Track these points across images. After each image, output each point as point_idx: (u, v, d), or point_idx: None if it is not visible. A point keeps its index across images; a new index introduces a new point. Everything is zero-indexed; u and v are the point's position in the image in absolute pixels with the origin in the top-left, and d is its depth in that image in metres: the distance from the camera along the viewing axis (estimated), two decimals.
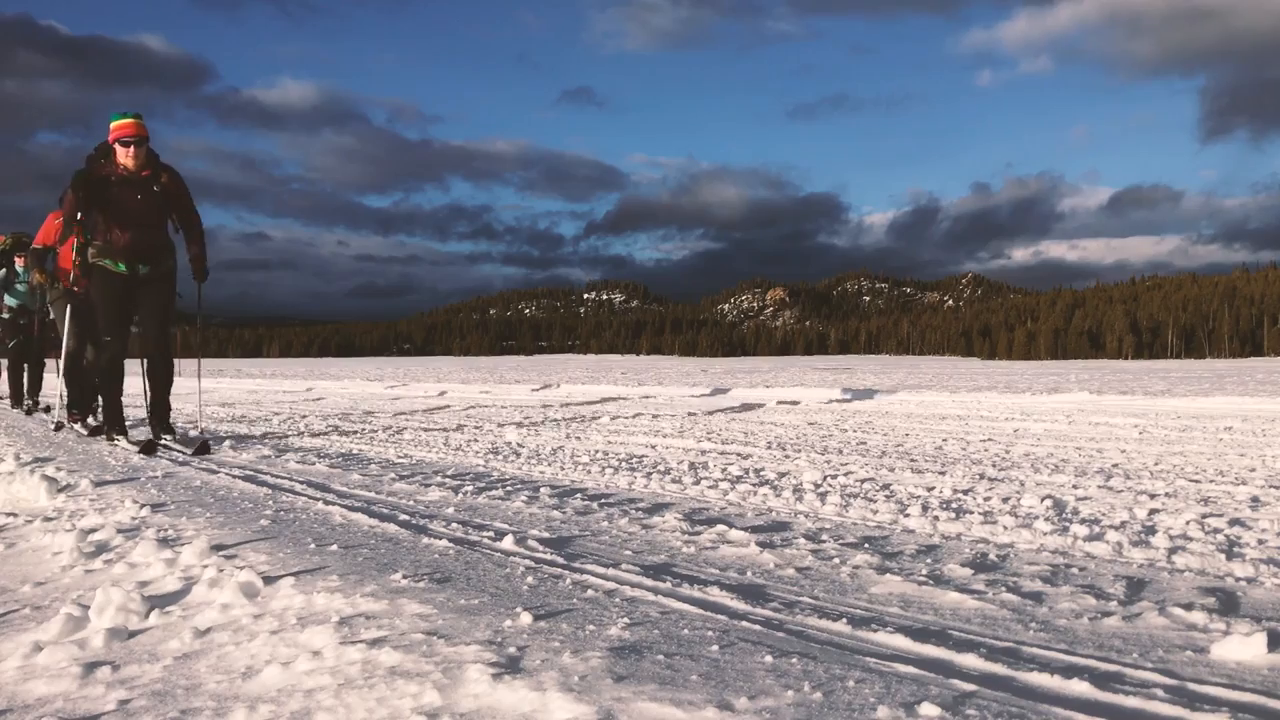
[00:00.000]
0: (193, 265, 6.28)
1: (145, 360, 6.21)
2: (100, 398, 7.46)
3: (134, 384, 6.94)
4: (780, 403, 10.56)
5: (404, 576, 2.23)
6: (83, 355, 7.37)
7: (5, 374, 11.68)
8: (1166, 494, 3.71)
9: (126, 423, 6.45)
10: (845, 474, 4.34)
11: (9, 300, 11.00)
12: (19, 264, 10.83)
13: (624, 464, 4.79)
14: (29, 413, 10.27)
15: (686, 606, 2.01)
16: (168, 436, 5.92)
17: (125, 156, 5.88)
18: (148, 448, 5.56)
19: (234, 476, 4.39)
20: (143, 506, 3.39)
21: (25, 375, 10.99)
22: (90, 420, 7.72)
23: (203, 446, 5.57)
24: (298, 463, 4.97)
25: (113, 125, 5.92)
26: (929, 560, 2.58)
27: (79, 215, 5.92)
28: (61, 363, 7.91)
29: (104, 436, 6.31)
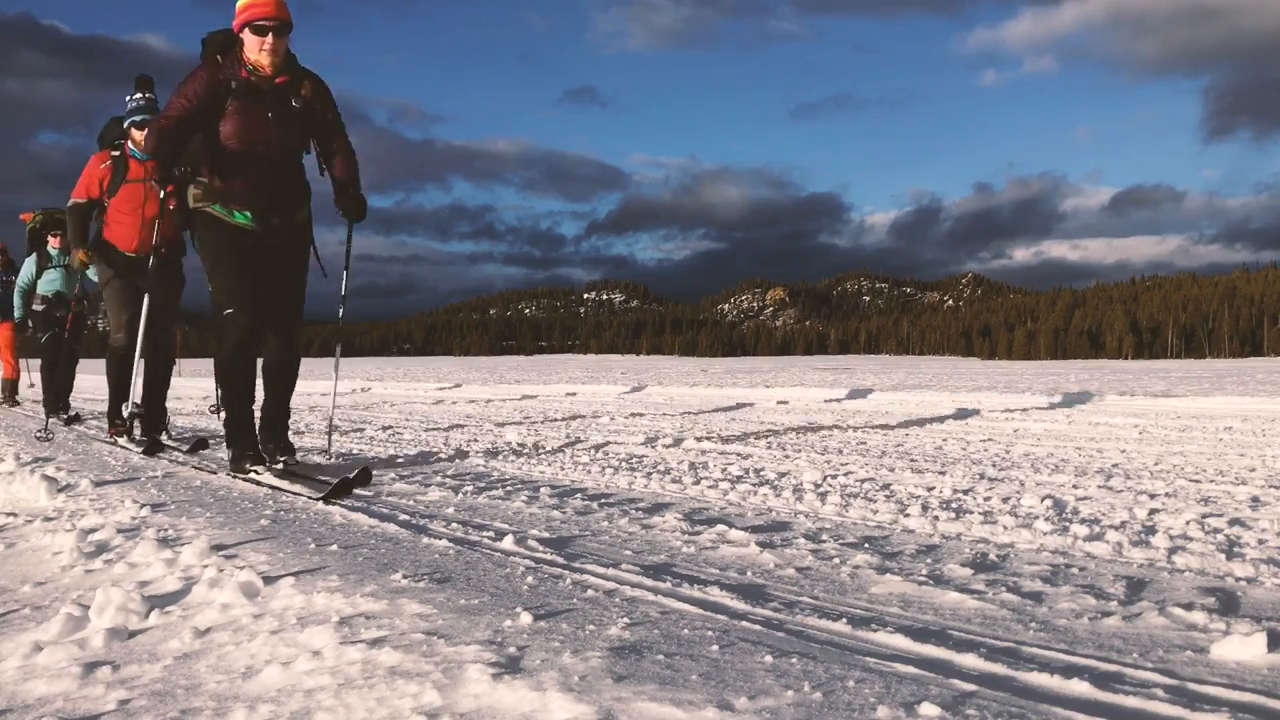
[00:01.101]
0: (340, 198, 4.46)
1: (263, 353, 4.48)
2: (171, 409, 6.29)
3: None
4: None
5: (404, 576, 2.23)
6: (133, 353, 5.95)
7: (39, 374, 9.93)
8: (1166, 494, 3.71)
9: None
10: (845, 474, 4.34)
11: (42, 288, 9.38)
12: (53, 244, 9.26)
13: (624, 464, 4.79)
14: (67, 423, 8.20)
15: (686, 606, 2.01)
16: (285, 458, 4.30)
17: (260, 49, 4.07)
18: (340, 489, 3.63)
19: (235, 477, 4.39)
20: (143, 506, 3.39)
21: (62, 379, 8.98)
22: (137, 433, 6.17)
23: (363, 474, 3.95)
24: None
25: (241, 3, 4.11)
26: (929, 560, 2.58)
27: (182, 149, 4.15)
28: (106, 363, 6.36)
29: (228, 467, 4.42)
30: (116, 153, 6.18)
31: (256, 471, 4.22)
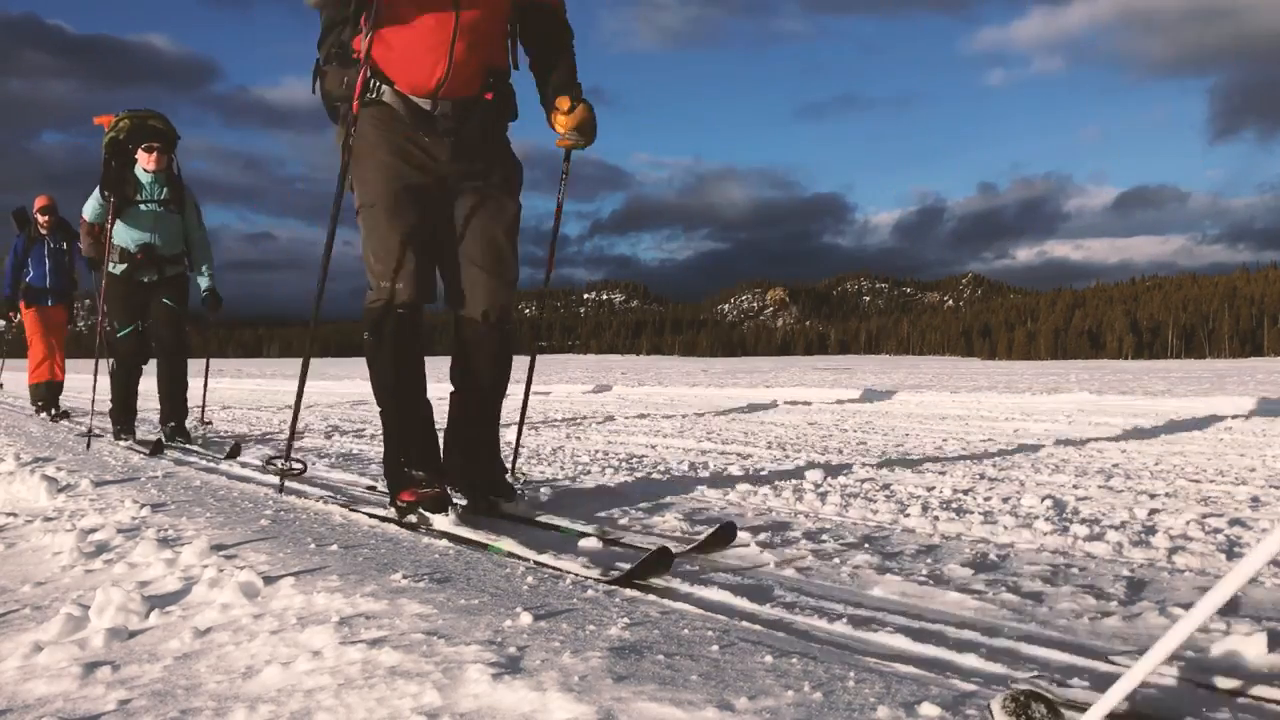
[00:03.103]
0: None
1: None
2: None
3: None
4: None
5: (404, 576, 2.23)
6: (419, 315, 3.23)
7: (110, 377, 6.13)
8: (1166, 494, 3.71)
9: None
10: (845, 474, 4.34)
11: (120, 238, 5.56)
12: (145, 163, 5.44)
13: (624, 464, 4.79)
14: (156, 450, 5.38)
15: (686, 606, 2.01)
16: None
17: None
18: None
19: (232, 478, 4.39)
20: (143, 506, 3.38)
21: (164, 383, 5.90)
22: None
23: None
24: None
25: None
26: (929, 560, 2.58)
27: None
28: (366, 346, 3.23)
29: None
30: None
31: None
